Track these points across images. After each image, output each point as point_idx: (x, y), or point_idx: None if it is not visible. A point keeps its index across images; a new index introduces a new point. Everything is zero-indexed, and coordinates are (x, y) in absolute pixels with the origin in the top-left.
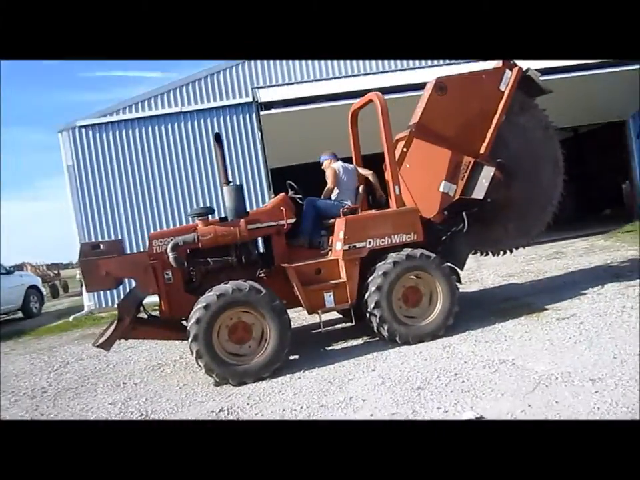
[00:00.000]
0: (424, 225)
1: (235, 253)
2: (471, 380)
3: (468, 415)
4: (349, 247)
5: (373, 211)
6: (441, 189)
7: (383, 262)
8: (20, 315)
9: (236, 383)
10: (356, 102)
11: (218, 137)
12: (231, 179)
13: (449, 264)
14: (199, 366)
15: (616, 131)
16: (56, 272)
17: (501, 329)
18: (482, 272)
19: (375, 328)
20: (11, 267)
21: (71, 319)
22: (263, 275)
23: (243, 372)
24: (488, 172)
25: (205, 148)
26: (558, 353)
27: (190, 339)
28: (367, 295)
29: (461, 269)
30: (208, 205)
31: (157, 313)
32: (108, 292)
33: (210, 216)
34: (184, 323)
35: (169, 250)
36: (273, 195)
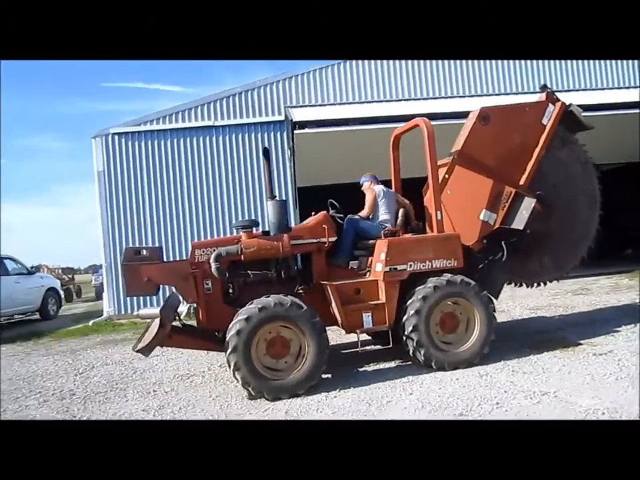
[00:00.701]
0: (463, 252)
1: (275, 268)
2: (514, 410)
3: None
4: (390, 268)
5: (415, 235)
6: (481, 218)
7: (423, 286)
8: (37, 316)
9: (271, 398)
10: (400, 126)
11: (266, 152)
12: (276, 194)
13: (486, 293)
14: (236, 378)
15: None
16: (70, 276)
17: (537, 361)
18: (508, 303)
19: (411, 352)
20: (32, 268)
21: (90, 323)
22: (301, 291)
23: (279, 387)
24: (529, 203)
25: (235, 162)
26: (600, 389)
27: (229, 350)
28: (405, 317)
29: (496, 298)
30: (248, 217)
31: (190, 322)
32: (128, 299)
33: (254, 229)
34: (216, 334)
35: (211, 260)
36: (298, 213)
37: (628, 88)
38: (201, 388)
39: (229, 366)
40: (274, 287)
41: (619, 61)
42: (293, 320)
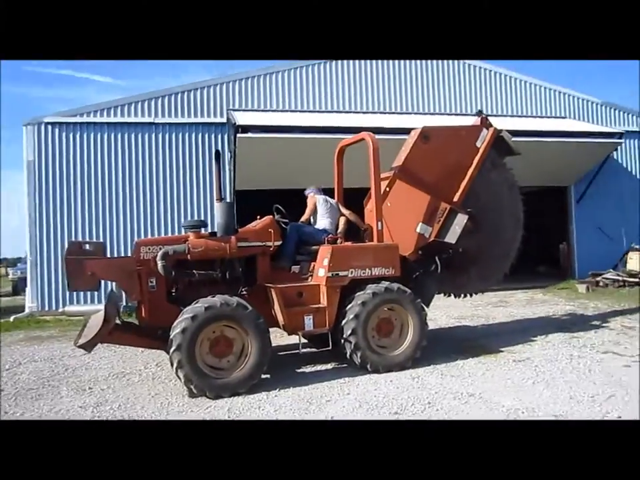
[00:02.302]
0: (400, 262)
1: (220, 269)
2: (444, 409)
3: None
4: (332, 274)
5: (357, 243)
6: (418, 230)
7: (362, 292)
8: None
9: (213, 396)
10: (344, 138)
11: (218, 155)
12: (224, 196)
13: (420, 300)
14: (178, 376)
15: (558, 195)
16: None
17: (464, 365)
18: (434, 312)
19: (348, 354)
20: None
21: (11, 319)
22: (244, 292)
23: (221, 385)
24: (461, 219)
25: (174, 161)
26: (520, 391)
27: (173, 348)
28: (344, 321)
29: (427, 306)
30: (188, 217)
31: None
32: (52, 295)
33: (202, 229)
34: (158, 332)
35: (158, 258)
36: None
37: (551, 117)
38: (138, 386)
39: (172, 364)
40: (218, 287)
41: (545, 91)
42: (237, 320)
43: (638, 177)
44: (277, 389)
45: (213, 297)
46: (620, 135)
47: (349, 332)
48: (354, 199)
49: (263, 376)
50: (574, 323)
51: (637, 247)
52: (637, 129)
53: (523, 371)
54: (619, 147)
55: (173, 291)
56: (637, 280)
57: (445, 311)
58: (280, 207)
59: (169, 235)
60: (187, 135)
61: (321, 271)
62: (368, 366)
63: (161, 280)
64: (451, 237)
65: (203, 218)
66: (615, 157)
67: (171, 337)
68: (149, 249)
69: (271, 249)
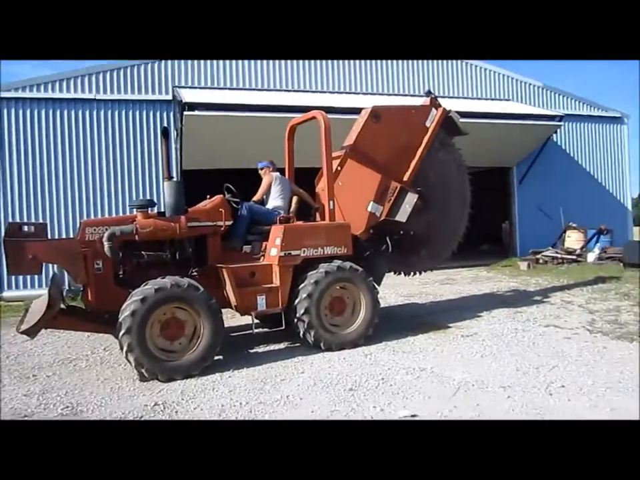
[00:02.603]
0: (352, 241)
1: (169, 249)
2: (397, 384)
3: (403, 413)
4: (285, 253)
5: (309, 222)
6: (369, 209)
7: (315, 271)
8: None
9: (165, 379)
10: (295, 117)
11: (165, 132)
12: (173, 175)
13: (371, 279)
14: (128, 360)
15: (502, 175)
16: None
17: (414, 342)
18: (384, 291)
19: (302, 333)
20: None
21: None
22: (194, 273)
23: (173, 368)
24: (411, 198)
25: (117, 139)
26: (469, 364)
27: (122, 332)
28: (297, 301)
29: (378, 284)
30: (133, 197)
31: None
32: None
33: (150, 209)
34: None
35: (104, 239)
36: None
37: (495, 100)
38: (86, 371)
39: (122, 348)
40: (168, 268)
41: (490, 74)
42: (189, 301)
43: (576, 158)
44: (231, 370)
45: (163, 278)
46: (560, 118)
47: (302, 311)
48: (305, 178)
49: (216, 357)
50: (517, 299)
51: (574, 225)
52: (576, 112)
53: (471, 345)
54: (558, 130)
55: (121, 273)
56: (574, 257)
57: (394, 289)
58: (231, 186)
59: (115, 215)
60: (130, 112)
61: (273, 250)
62: (321, 344)
63: (107, 262)
64: (402, 216)
65: (150, 197)
66: (555, 139)
67: (120, 320)
68: (95, 229)
69: (222, 228)
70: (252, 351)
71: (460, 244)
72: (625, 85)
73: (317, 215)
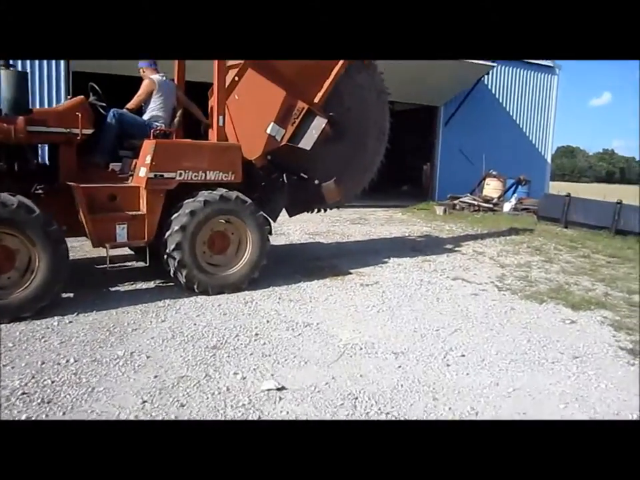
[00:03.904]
0: (244, 167)
1: (5, 158)
2: (272, 342)
3: (268, 385)
4: (155, 175)
5: (190, 140)
6: (269, 131)
7: (192, 199)
8: None
9: None
10: None
11: None
12: (13, 63)
13: (262, 213)
14: None
15: (428, 115)
16: None
17: (306, 289)
18: (288, 226)
19: (172, 272)
20: None
21: None
22: (40, 191)
23: None
24: (320, 123)
25: None
26: (362, 321)
27: None
28: (168, 233)
29: (274, 220)
30: None
31: None
32: None
33: None
34: None
35: None
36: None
37: None
38: None
39: None
40: (3, 183)
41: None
42: (19, 226)
43: (504, 105)
44: (76, 313)
45: None
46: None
47: (173, 246)
48: (197, 95)
49: (65, 295)
50: (427, 246)
51: (494, 173)
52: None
53: (369, 297)
54: (490, 71)
55: None
56: (490, 206)
57: (300, 226)
58: (95, 85)
59: None
60: None
61: (142, 170)
62: (195, 286)
63: None
64: (306, 142)
65: None
66: (486, 82)
67: None
68: None
69: (78, 137)
70: (113, 289)
71: (374, 181)
72: None
73: (209, 134)
